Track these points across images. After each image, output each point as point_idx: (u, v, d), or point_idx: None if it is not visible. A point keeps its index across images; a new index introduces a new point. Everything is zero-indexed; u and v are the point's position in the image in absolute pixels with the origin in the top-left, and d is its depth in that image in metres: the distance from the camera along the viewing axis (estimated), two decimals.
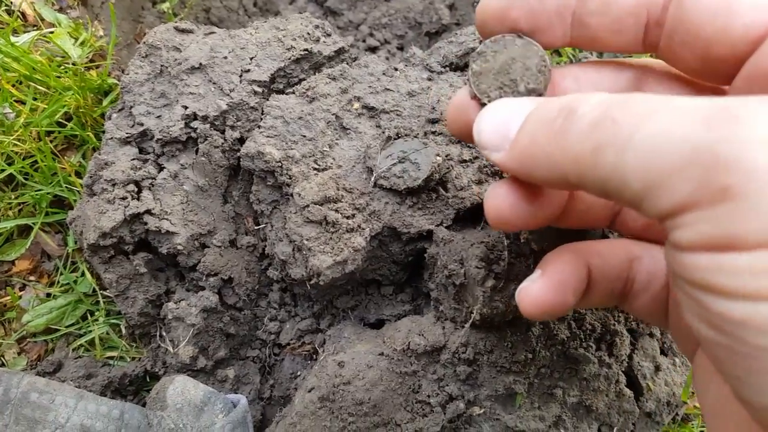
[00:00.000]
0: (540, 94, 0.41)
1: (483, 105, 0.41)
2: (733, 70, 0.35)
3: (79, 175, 0.85)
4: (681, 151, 0.26)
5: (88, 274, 0.83)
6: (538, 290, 0.42)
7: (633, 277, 0.45)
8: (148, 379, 0.80)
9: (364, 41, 1.19)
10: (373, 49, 1.18)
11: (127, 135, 0.77)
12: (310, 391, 0.66)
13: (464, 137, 0.44)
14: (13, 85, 0.84)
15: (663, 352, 0.73)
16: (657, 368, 0.71)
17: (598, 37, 0.40)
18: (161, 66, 0.79)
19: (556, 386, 0.66)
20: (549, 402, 0.66)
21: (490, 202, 0.42)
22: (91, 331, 0.82)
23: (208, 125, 0.76)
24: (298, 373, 0.79)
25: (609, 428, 0.69)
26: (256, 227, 0.79)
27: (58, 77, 0.85)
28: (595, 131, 0.30)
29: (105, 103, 0.88)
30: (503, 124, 0.37)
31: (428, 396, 0.65)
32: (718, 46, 0.35)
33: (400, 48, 1.20)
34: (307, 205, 0.68)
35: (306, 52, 0.79)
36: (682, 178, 0.26)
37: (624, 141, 0.28)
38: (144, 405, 0.76)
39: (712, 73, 0.37)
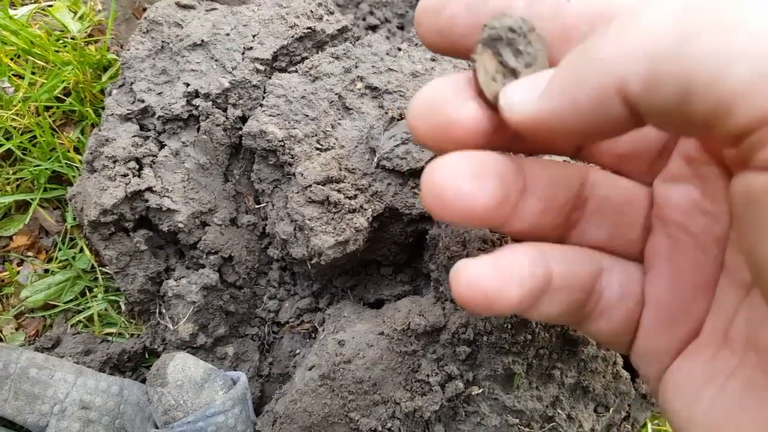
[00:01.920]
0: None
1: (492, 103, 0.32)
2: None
3: (77, 150, 0.85)
4: None
5: (86, 251, 0.83)
6: (478, 270, 0.33)
7: (600, 291, 0.38)
8: (147, 356, 0.80)
9: (364, 20, 1.18)
10: (373, 28, 1.17)
11: (127, 111, 0.76)
12: (310, 369, 0.66)
13: (440, 144, 0.33)
14: (12, 59, 0.83)
15: None
16: None
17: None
18: (162, 42, 0.78)
19: (555, 367, 0.66)
20: (547, 383, 0.67)
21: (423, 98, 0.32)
22: (89, 308, 0.82)
23: (209, 103, 0.75)
24: (297, 351, 0.80)
25: (605, 409, 0.70)
26: (256, 206, 0.79)
27: (57, 52, 0.84)
28: (683, 17, 0.24)
29: (104, 78, 0.87)
30: (539, 78, 0.30)
31: (427, 375, 0.66)
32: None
33: (401, 27, 1.19)
34: (310, 185, 0.68)
35: (309, 30, 0.79)
36: None
37: (733, 24, 0.23)
38: (143, 381, 0.76)
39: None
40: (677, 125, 0.26)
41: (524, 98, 0.30)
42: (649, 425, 0.83)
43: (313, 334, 0.80)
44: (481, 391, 0.66)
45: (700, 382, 0.32)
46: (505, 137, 0.34)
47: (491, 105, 0.33)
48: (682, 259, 0.35)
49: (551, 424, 0.67)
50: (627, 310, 0.38)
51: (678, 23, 0.24)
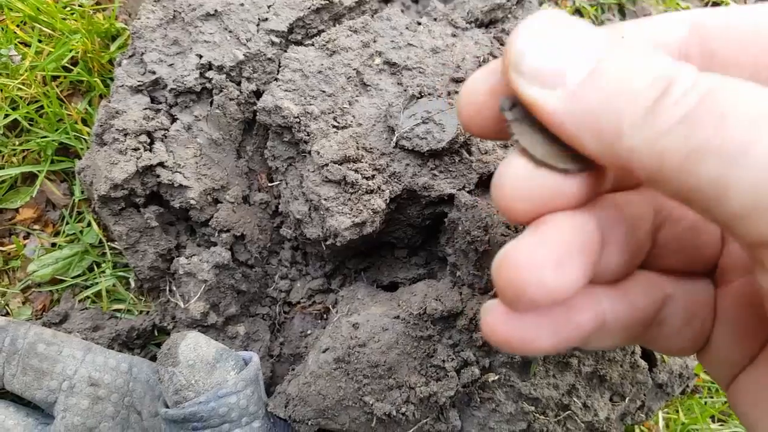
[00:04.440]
0: None
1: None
2: None
3: (85, 122, 0.82)
4: None
5: (94, 225, 0.81)
6: (499, 319, 0.31)
7: (662, 319, 0.36)
8: (156, 334, 0.79)
9: None
10: (387, 1, 1.14)
11: (138, 83, 0.74)
12: (324, 352, 0.65)
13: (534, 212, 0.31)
14: (18, 26, 0.80)
15: None
16: None
17: None
18: (174, 11, 0.75)
19: (572, 355, 0.65)
20: (564, 371, 0.66)
21: (513, 269, 0.29)
22: (97, 283, 0.81)
23: (223, 76, 0.73)
24: (309, 332, 0.79)
25: (621, 398, 0.69)
26: (269, 184, 0.77)
27: (64, 19, 0.82)
28: (694, 129, 0.24)
29: (113, 48, 0.84)
30: (559, 55, 0.28)
31: (443, 361, 0.65)
32: None
33: (416, 1, 1.15)
34: (326, 164, 0.66)
35: (326, 2, 0.76)
36: None
37: (734, 154, 0.23)
38: (152, 359, 0.75)
39: None
40: None
41: (542, 64, 0.28)
42: (660, 414, 0.83)
43: (325, 315, 0.79)
44: (497, 377, 0.65)
45: None
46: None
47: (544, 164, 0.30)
48: None
49: (567, 412, 0.66)
50: (693, 332, 0.36)
51: (688, 138, 0.25)
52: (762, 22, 0.31)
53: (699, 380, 0.85)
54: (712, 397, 0.86)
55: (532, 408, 0.66)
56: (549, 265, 0.28)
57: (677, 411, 0.83)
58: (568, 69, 0.27)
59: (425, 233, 0.77)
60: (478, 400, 0.67)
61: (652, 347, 0.39)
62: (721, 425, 0.85)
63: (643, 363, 0.69)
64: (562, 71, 0.27)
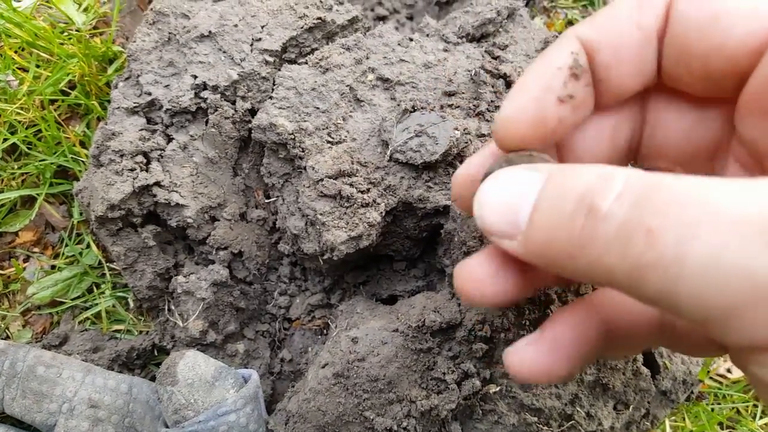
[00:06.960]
0: None
1: None
2: (736, 84, 0.33)
3: (83, 144, 0.83)
4: (747, 284, 0.22)
5: (93, 246, 0.81)
6: (521, 355, 0.37)
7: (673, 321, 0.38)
8: (156, 353, 0.79)
9: (372, 10, 1.16)
10: (381, 19, 1.15)
11: (134, 104, 0.74)
12: (323, 367, 0.65)
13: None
14: (16, 52, 0.81)
15: None
16: None
17: (622, 84, 0.36)
18: (169, 33, 0.76)
19: None
20: None
21: (462, 280, 0.37)
22: (97, 304, 0.81)
23: (218, 95, 0.73)
24: (309, 348, 0.78)
25: (624, 406, 0.68)
26: (266, 201, 0.78)
27: (62, 44, 0.83)
28: (629, 247, 0.25)
29: (110, 71, 0.85)
30: (510, 205, 0.32)
31: (443, 373, 0.64)
32: (715, 62, 0.32)
33: (410, 18, 1.17)
34: (321, 179, 0.67)
35: (319, 21, 0.77)
36: (757, 316, 0.23)
37: (671, 266, 0.24)
38: (152, 379, 0.75)
39: (715, 90, 0.34)
40: None
41: (498, 220, 0.33)
42: (667, 422, 0.82)
43: (325, 331, 0.79)
44: (498, 389, 0.65)
45: None
46: None
47: None
48: None
49: (570, 423, 0.66)
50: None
51: (624, 256, 0.25)
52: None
53: (704, 386, 0.84)
54: (719, 404, 0.85)
55: (535, 419, 0.65)
56: (484, 279, 0.36)
57: (684, 418, 0.82)
58: (517, 220, 0.31)
59: (423, 245, 0.77)
60: (480, 412, 0.66)
61: (678, 348, 0.41)
62: None
63: (645, 370, 0.68)
64: (513, 223, 0.32)
